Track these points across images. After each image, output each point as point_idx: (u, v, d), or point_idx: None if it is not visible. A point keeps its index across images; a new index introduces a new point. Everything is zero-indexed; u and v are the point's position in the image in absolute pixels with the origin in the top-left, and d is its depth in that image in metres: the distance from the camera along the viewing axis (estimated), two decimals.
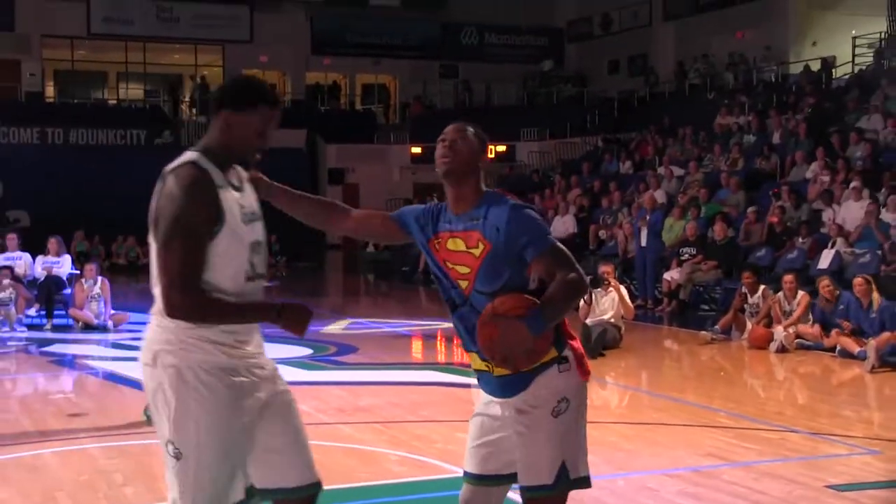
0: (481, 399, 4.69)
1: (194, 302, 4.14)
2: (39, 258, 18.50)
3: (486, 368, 4.49)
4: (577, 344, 4.52)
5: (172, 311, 4.10)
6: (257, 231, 4.34)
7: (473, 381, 5.15)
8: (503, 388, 4.49)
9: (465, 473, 4.73)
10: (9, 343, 16.25)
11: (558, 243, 4.42)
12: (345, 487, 7.51)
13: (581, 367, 4.49)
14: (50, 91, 38.43)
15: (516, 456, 4.51)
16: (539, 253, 4.32)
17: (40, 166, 32.76)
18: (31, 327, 17.44)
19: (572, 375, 4.45)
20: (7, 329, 16.98)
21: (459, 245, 4.49)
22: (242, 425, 4.29)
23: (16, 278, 17.69)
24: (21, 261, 18.45)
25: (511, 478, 4.62)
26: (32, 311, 17.72)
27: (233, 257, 4.22)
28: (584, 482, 4.45)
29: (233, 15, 38.73)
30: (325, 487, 4.75)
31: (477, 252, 4.42)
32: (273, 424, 4.39)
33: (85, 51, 39.00)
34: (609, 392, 12.04)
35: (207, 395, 4.17)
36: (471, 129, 4.57)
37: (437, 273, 4.64)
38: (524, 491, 4.44)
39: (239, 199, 4.27)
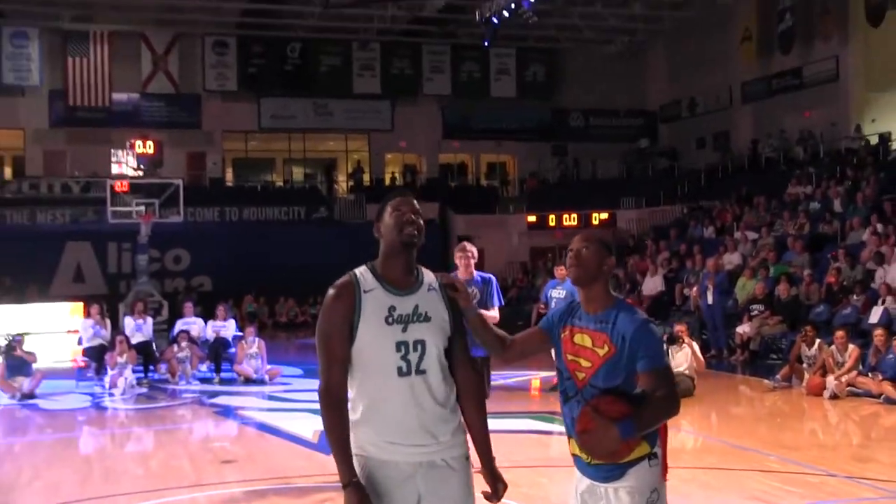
0: (578, 475, 4.60)
1: (324, 399, 4.17)
2: (210, 322, 18.82)
3: (584, 457, 4.46)
4: (666, 441, 4.53)
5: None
6: (412, 331, 4.17)
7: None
8: (599, 473, 4.43)
9: None
10: (184, 395, 16.63)
11: (669, 365, 4.55)
12: None
13: (664, 465, 4.50)
14: (229, 176, 39.29)
15: None
16: (650, 368, 4.30)
17: (219, 240, 33.42)
18: (202, 380, 17.70)
19: (660, 470, 4.45)
20: (184, 382, 17.33)
21: (586, 341, 4.42)
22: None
23: (191, 340, 18.09)
24: (195, 325, 18.79)
25: None
26: (204, 367, 18.06)
27: (374, 353, 4.15)
28: None
29: (377, 108, 39.35)
30: None
31: (601, 352, 4.36)
32: None
33: (256, 142, 39.85)
34: (675, 438, 11.77)
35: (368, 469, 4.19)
36: (596, 237, 4.57)
37: (559, 363, 4.56)
38: None
39: (391, 300, 4.18)
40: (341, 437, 4.13)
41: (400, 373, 4.11)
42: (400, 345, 4.11)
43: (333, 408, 4.16)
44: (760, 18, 33.89)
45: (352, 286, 4.16)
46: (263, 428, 13.24)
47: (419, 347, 4.13)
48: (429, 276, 4.32)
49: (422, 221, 4.26)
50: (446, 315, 4.25)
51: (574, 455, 4.50)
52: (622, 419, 4.16)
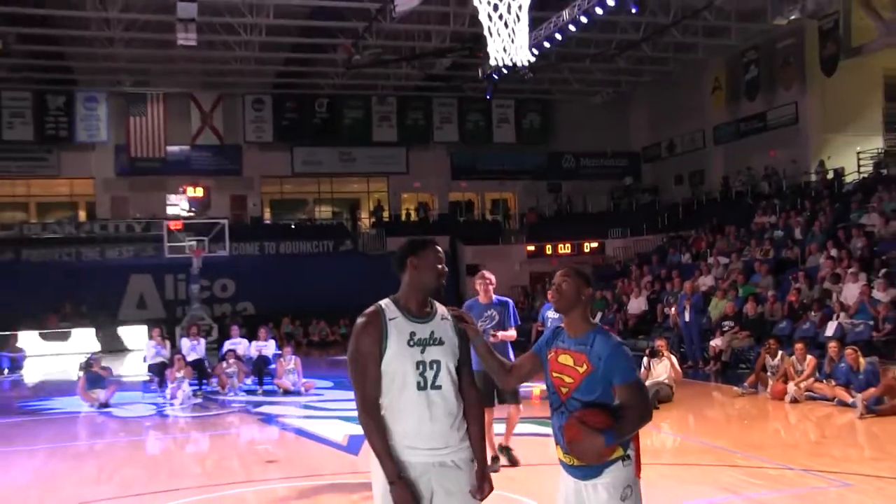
0: (564, 474, 4.65)
1: (361, 412, 4.33)
2: (253, 343, 18.97)
3: (567, 460, 4.53)
4: (639, 446, 4.59)
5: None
6: (429, 353, 4.33)
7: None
8: (580, 473, 4.49)
9: None
10: (233, 405, 16.72)
11: (640, 380, 4.56)
12: None
13: (638, 464, 4.56)
14: (267, 215, 39.32)
15: None
16: (625, 382, 4.37)
17: (260, 270, 33.58)
18: (248, 392, 17.79)
19: (633, 469, 4.51)
20: (232, 394, 17.46)
21: (568, 360, 4.48)
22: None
23: (237, 357, 18.22)
24: (241, 345, 18.99)
25: None
26: (249, 381, 18.23)
27: (398, 371, 4.28)
28: None
29: (394, 154, 39.47)
30: None
31: (581, 370, 4.43)
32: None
33: (290, 185, 39.97)
34: (657, 439, 11.72)
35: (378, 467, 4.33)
36: (574, 271, 4.65)
37: (546, 380, 4.63)
38: None
39: (412, 327, 4.35)
40: (383, 440, 4.27)
41: (418, 387, 4.28)
42: (419, 364, 4.28)
43: (372, 417, 4.30)
44: (729, 70, 34.05)
45: (379, 315, 4.33)
46: (301, 433, 13.36)
47: (435, 366, 4.30)
48: (441, 308, 4.48)
49: (443, 265, 4.47)
50: (456, 340, 4.41)
51: (560, 460, 4.59)
52: (606, 429, 4.27)
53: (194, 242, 27.77)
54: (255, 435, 13.85)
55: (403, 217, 39.96)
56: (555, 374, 4.56)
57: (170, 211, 35.85)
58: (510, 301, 9.92)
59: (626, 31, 30.13)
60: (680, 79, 36.05)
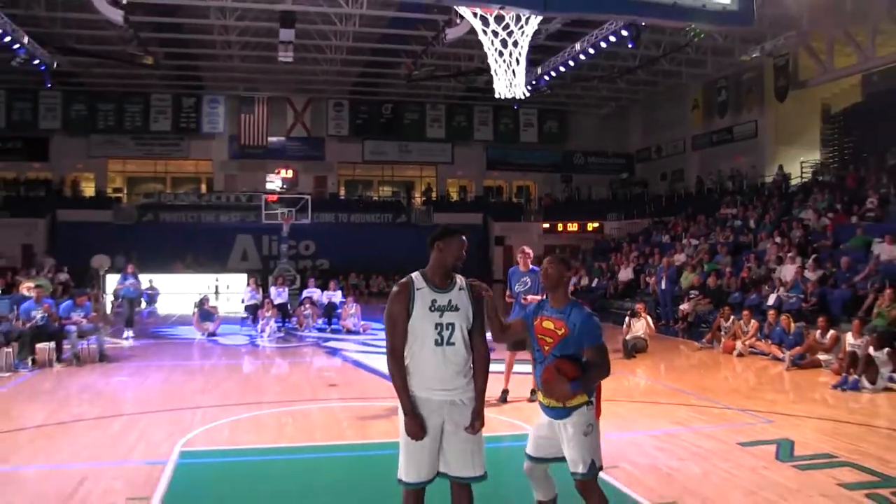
0: (541, 414, 4.80)
1: (390, 364, 4.42)
2: (325, 292, 19.08)
3: (546, 402, 4.67)
4: (600, 395, 4.71)
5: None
6: (446, 317, 4.34)
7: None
8: (554, 414, 4.63)
9: (526, 454, 4.93)
10: (307, 339, 16.81)
11: (604, 343, 4.62)
12: None
13: (598, 408, 4.68)
14: (342, 192, 39.51)
15: (565, 454, 4.68)
16: (592, 345, 4.55)
17: (335, 235, 33.98)
18: (319, 330, 17.87)
19: (594, 412, 4.64)
20: (307, 331, 17.63)
21: (550, 325, 4.62)
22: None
23: (312, 303, 18.48)
24: (315, 294, 19.08)
25: (551, 460, 4.85)
26: (320, 321, 18.28)
27: (421, 330, 4.35)
28: (600, 469, 4.67)
29: (442, 148, 39.53)
30: None
31: (560, 332, 4.58)
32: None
33: (360, 170, 40.01)
34: (630, 382, 11.78)
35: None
36: (558, 258, 4.77)
37: (532, 339, 4.76)
38: (573, 475, 4.66)
39: (434, 296, 4.38)
40: (402, 381, 4.37)
41: (436, 343, 4.35)
42: (437, 325, 4.35)
43: (397, 363, 4.39)
44: (705, 93, 33.79)
45: (409, 285, 4.41)
46: (357, 364, 13.39)
47: (450, 328, 4.35)
48: (460, 280, 4.48)
49: (461, 250, 4.48)
50: (470, 307, 4.43)
51: (540, 402, 4.76)
52: (574, 379, 4.45)
53: (284, 212, 28.16)
54: (322, 364, 13.87)
55: (448, 197, 40.07)
56: (539, 336, 4.70)
57: (268, 187, 36.31)
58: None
59: (625, 60, 30.05)
60: (667, 98, 35.76)
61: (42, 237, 31.81)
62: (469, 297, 4.47)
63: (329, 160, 38.64)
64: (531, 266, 9.77)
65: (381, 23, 26.82)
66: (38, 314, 12.56)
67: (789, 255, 18.94)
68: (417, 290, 4.39)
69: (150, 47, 26.64)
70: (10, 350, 12.24)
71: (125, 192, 36.97)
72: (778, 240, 20.80)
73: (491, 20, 10.51)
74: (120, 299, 18.42)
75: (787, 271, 18.17)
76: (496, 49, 10.63)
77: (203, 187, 38.02)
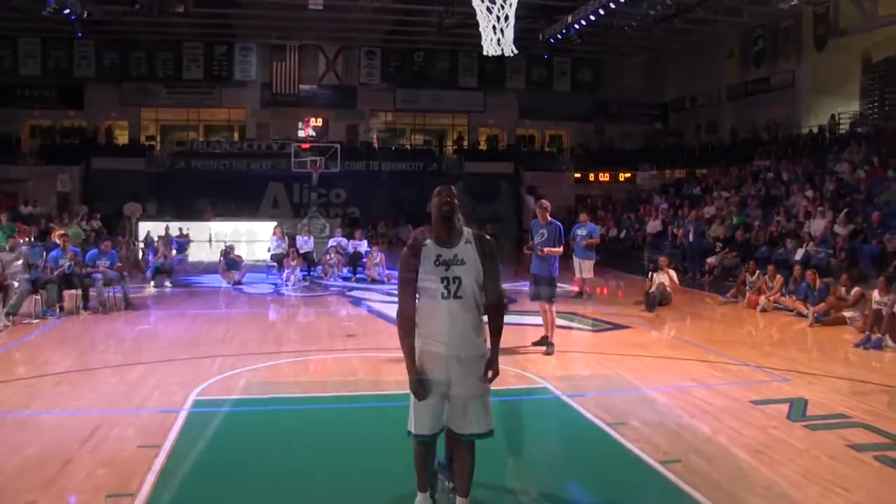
0: None
1: (399, 315, 4.50)
2: (351, 241, 19.08)
3: None
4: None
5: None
6: (452, 271, 4.37)
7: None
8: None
9: None
10: (331, 288, 16.96)
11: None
12: None
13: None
14: (374, 141, 39.02)
15: None
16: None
17: (366, 182, 33.87)
18: (344, 279, 17.97)
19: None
20: (332, 280, 17.80)
21: None
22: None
23: (338, 252, 18.53)
24: (341, 242, 19.09)
25: None
26: (345, 270, 18.37)
27: (428, 284, 4.40)
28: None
29: (474, 97, 38.88)
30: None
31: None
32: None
33: (392, 118, 39.68)
34: (649, 338, 11.54)
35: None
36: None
37: None
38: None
39: (439, 251, 4.42)
40: (409, 341, 4.44)
41: (443, 297, 4.37)
42: (444, 279, 4.37)
43: (405, 322, 4.46)
44: (740, 42, 32.84)
45: (417, 243, 4.48)
46: (379, 314, 13.36)
47: (457, 281, 4.37)
48: (468, 233, 4.49)
49: (455, 201, 4.49)
50: (479, 260, 4.44)
51: None
52: None
53: (315, 160, 28.15)
54: (344, 313, 13.89)
55: (480, 146, 39.61)
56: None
57: (300, 135, 36.30)
58: (560, 225, 10.01)
59: (660, 8, 29.24)
60: (702, 47, 34.77)
61: (76, 184, 32.17)
62: (477, 251, 4.47)
63: (361, 108, 38.31)
64: (550, 219, 9.98)
65: None
66: (64, 262, 12.76)
67: (819, 208, 18.65)
68: (423, 245, 4.44)
69: None
70: (38, 297, 12.46)
71: (158, 140, 37.17)
72: (809, 193, 20.40)
73: None
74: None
75: (817, 225, 17.90)
76: (485, 5, 10.42)
77: (235, 135, 38.00)
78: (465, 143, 39.49)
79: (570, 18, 26.70)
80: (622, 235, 26.55)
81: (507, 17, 10.45)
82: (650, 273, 15.40)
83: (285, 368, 9.15)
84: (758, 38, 31.73)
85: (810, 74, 29.11)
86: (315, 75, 37.21)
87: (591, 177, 36.45)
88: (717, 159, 30.84)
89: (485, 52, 11.38)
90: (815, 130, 27.70)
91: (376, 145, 38.13)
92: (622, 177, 36.21)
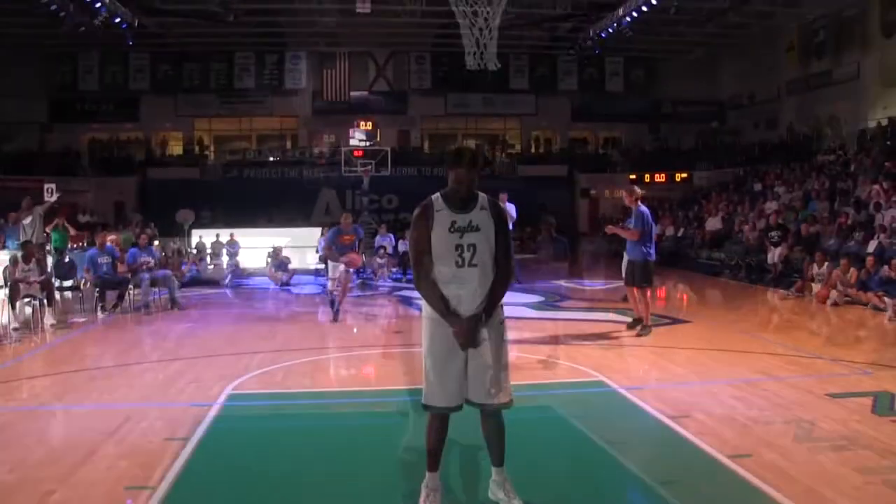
0: None
1: (416, 277, 4.33)
2: (400, 241, 18.96)
3: None
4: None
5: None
6: (466, 238, 4.20)
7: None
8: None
9: None
10: (381, 288, 17.00)
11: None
12: (528, 383, 7.38)
13: None
14: (426, 146, 38.87)
15: None
16: None
17: (418, 188, 33.49)
18: (394, 280, 17.97)
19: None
20: (383, 280, 17.78)
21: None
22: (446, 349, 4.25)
23: (387, 253, 18.50)
24: (387, 241, 19.08)
25: None
26: (395, 270, 18.32)
27: (441, 251, 4.23)
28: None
29: (526, 100, 38.20)
30: (519, 382, 5.06)
31: None
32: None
33: (444, 123, 39.28)
34: (712, 331, 10.96)
35: (426, 325, 4.34)
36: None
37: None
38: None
39: (453, 217, 4.25)
40: (441, 299, 4.21)
41: (457, 265, 4.19)
42: (458, 246, 4.19)
43: (430, 284, 4.23)
44: (801, 34, 31.76)
45: (428, 207, 4.29)
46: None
47: (471, 248, 4.19)
48: (483, 200, 4.31)
49: (470, 177, 4.28)
50: (492, 227, 4.25)
51: None
52: None
53: (367, 162, 27.96)
54: (392, 312, 13.75)
55: (532, 150, 39.05)
56: None
57: (351, 142, 36.26)
58: (644, 210, 10.28)
59: (714, 1, 28.45)
60: (760, 41, 33.74)
61: (133, 195, 32.56)
62: (491, 217, 4.28)
63: (412, 114, 38.09)
64: (637, 203, 10.33)
65: None
66: (102, 260, 12.66)
67: (893, 198, 17.87)
68: (437, 211, 4.26)
69: (232, 4, 26.62)
70: (81, 296, 12.38)
71: (212, 149, 37.52)
72: (883, 184, 19.54)
73: None
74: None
75: (890, 216, 17.12)
76: (467, 21, 10.15)
77: (288, 143, 38.16)
78: (519, 146, 38.91)
79: (620, 11, 26.07)
80: (680, 234, 25.79)
81: (490, 31, 10.25)
82: None
83: (326, 364, 8.96)
84: (819, 29, 30.58)
85: (876, 65, 27.90)
86: (365, 82, 37.17)
87: (647, 178, 35.48)
88: (777, 155, 29.81)
89: (468, 67, 11.44)
90: (885, 123, 26.51)
91: (428, 151, 37.95)
92: (678, 177, 35.35)
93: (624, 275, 10.78)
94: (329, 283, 12.27)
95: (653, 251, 10.28)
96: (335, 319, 11.64)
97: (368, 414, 6.86)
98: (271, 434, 6.20)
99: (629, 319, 10.99)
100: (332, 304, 12.07)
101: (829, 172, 23.75)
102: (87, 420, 6.48)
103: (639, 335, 10.15)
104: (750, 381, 7.68)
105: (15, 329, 10.89)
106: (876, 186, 19.70)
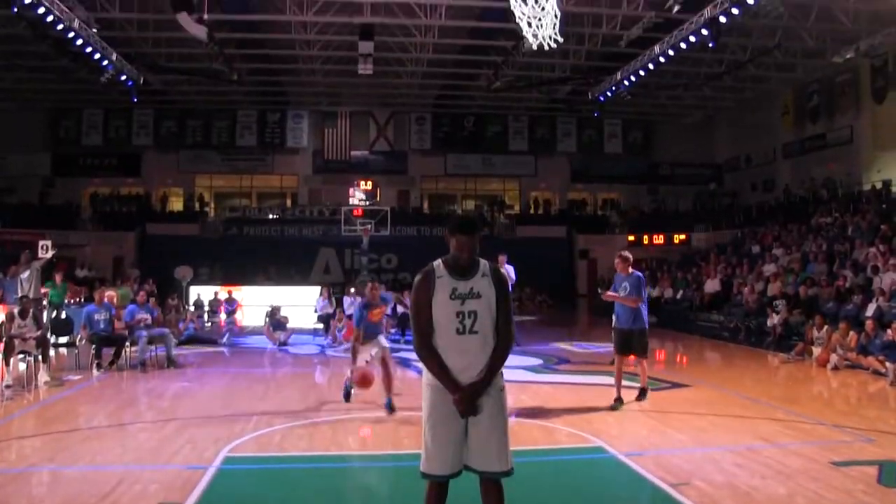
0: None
1: (420, 353, 4.30)
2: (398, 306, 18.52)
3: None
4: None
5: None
6: (467, 305, 4.19)
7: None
8: None
9: None
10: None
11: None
12: (527, 448, 7.31)
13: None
14: (425, 206, 39.24)
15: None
16: None
17: (417, 248, 33.07)
18: (393, 341, 16.68)
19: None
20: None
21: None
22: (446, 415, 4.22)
23: (386, 314, 18.34)
24: (390, 301, 18.96)
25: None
26: (393, 331, 17.76)
27: (442, 318, 4.23)
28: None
29: (525, 161, 38.83)
30: (519, 448, 4.93)
31: None
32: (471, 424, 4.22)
33: (444, 183, 39.78)
34: (712, 396, 10.80)
35: (426, 392, 4.32)
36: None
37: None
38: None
39: (454, 284, 4.23)
40: (442, 366, 4.19)
41: (457, 332, 4.18)
42: (459, 313, 4.18)
43: (427, 348, 4.23)
44: (795, 98, 32.30)
45: (430, 274, 4.27)
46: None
47: (472, 315, 4.18)
48: (484, 266, 4.30)
49: (472, 245, 4.28)
50: (493, 294, 4.25)
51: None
52: None
53: (366, 222, 28.09)
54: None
55: (531, 210, 39.34)
56: None
57: (351, 201, 36.46)
58: (640, 275, 9.77)
59: (711, 66, 28.95)
60: (755, 104, 34.33)
61: (132, 249, 32.70)
62: (492, 284, 4.27)
63: (412, 174, 38.54)
64: (631, 271, 9.77)
65: (461, 34, 26.57)
66: (99, 316, 12.61)
67: (890, 262, 17.87)
68: (438, 277, 4.25)
69: (235, 63, 27.08)
70: (77, 353, 12.30)
71: (212, 206, 37.73)
72: (881, 247, 19.56)
73: None
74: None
75: (888, 279, 17.10)
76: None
77: (288, 202, 38.41)
78: (517, 207, 39.21)
79: (618, 75, 26.48)
80: (678, 296, 25.73)
81: (542, 9, 10.19)
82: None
83: (324, 427, 8.68)
84: (813, 93, 31.14)
85: (869, 129, 28.33)
86: (366, 141, 37.63)
87: (646, 239, 35.78)
88: (774, 217, 29.98)
89: (534, 46, 11.10)
90: (879, 185, 26.73)
91: (427, 211, 38.12)
92: (677, 238, 35.47)
93: (616, 344, 10.07)
94: (351, 370, 9.73)
95: (646, 318, 9.91)
96: (392, 410, 9.35)
97: (367, 479, 6.74)
98: (268, 499, 6.09)
99: (633, 383, 10.91)
100: (347, 394, 10.14)
101: (827, 234, 23.79)
102: (79, 483, 6.33)
103: (640, 399, 9.97)
104: (751, 447, 7.56)
105: (7, 386, 10.77)
106: (873, 249, 19.74)
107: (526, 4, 10.03)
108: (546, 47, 10.85)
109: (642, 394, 10.09)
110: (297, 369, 13.96)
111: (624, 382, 9.93)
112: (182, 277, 26.34)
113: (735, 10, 19.15)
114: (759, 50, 26.58)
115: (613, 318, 10.09)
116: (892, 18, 22.66)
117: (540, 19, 10.30)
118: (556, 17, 10.67)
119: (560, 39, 10.93)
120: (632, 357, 10.12)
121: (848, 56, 24.89)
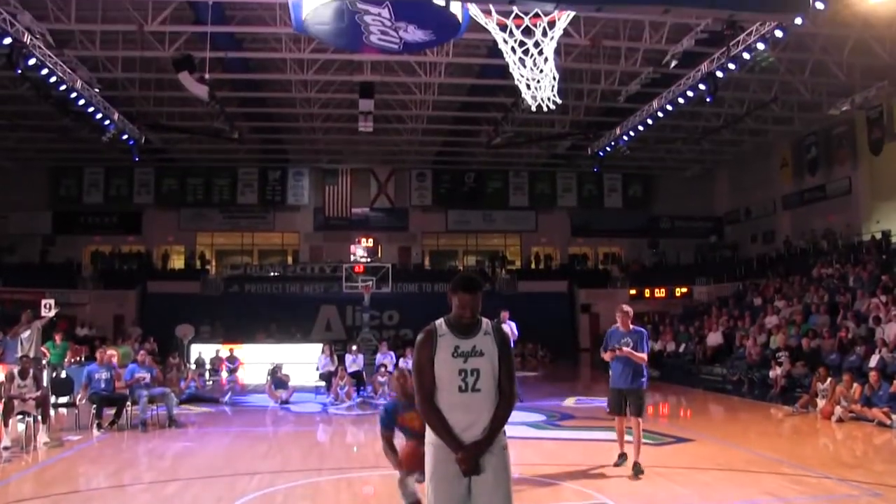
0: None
1: (423, 411, 4.31)
2: (401, 358, 18.00)
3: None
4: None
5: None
6: (470, 363, 4.21)
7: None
8: None
9: None
10: (381, 406, 16.16)
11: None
12: None
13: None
14: (427, 262, 39.33)
15: None
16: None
17: (419, 305, 32.87)
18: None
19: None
20: (383, 398, 16.62)
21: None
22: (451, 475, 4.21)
23: (388, 371, 17.35)
24: (387, 359, 18.34)
25: None
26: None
27: (445, 376, 4.24)
28: None
29: (525, 216, 39.06)
30: None
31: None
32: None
33: (445, 239, 39.88)
34: (715, 450, 10.72)
35: (429, 451, 4.32)
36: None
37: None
38: None
39: (457, 342, 4.26)
40: (442, 422, 4.20)
41: (460, 390, 4.20)
42: (461, 371, 4.20)
43: (430, 406, 4.24)
44: (794, 151, 32.68)
45: (432, 333, 4.29)
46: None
47: (475, 374, 4.20)
48: (486, 325, 4.33)
49: (475, 303, 4.31)
50: (496, 352, 4.28)
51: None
52: None
53: (366, 282, 28.16)
54: (396, 433, 13.48)
55: (532, 265, 39.41)
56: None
57: (352, 258, 36.57)
58: (645, 331, 9.41)
59: (709, 120, 29.39)
60: (754, 157, 34.72)
61: (133, 308, 32.70)
62: (495, 342, 4.30)
63: (413, 230, 38.73)
64: (631, 327, 9.33)
65: (461, 91, 26.97)
66: (100, 376, 12.60)
67: (892, 312, 17.89)
68: (440, 336, 4.27)
69: (236, 122, 27.44)
70: (77, 413, 12.25)
71: (213, 263, 37.84)
72: (882, 298, 19.60)
73: (511, 27, 10.15)
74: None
75: (891, 330, 17.10)
76: (518, 58, 10.28)
77: (289, 259, 38.52)
78: (518, 263, 39.32)
79: (617, 130, 26.83)
80: (681, 349, 25.69)
81: (540, 71, 10.31)
82: None
83: (326, 486, 8.64)
84: (811, 145, 31.52)
85: (867, 180, 28.60)
86: (367, 198, 37.91)
87: (647, 292, 35.84)
88: (775, 269, 30.12)
89: (533, 108, 11.20)
90: (879, 236, 26.87)
91: (429, 267, 38.20)
92: (678, 291, 35.55)
93: (610, 403, 9.61)
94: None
95: (647, 377, 9.45)
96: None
97: None
98: None
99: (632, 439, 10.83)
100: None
101: (828, 286, 23.84)
102: None
103: (636, 477, 8.93)
104: (757, 502, 7.51)
105: (6, 448, 10.70)
106: (874, 300, 19.77)
107: (524, 67, 10.20)
108: (545, 108, 10.94)
109: (635, 469, 8.99)
110: (299, 428, 13.88)
111: (627, 438, 9.81)
112: (183, 336, 26.30)
113: (731, 66, 19.49)
114: (756, 103, 27.01)
115: (609, 375, 9.56)
116: (885, 72, 23.11)
117: (539, 81, 10.45)
118: (554, 78, 10.79)
119: (559, 101, 11.04)
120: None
121: (844, 108, 25.32)
